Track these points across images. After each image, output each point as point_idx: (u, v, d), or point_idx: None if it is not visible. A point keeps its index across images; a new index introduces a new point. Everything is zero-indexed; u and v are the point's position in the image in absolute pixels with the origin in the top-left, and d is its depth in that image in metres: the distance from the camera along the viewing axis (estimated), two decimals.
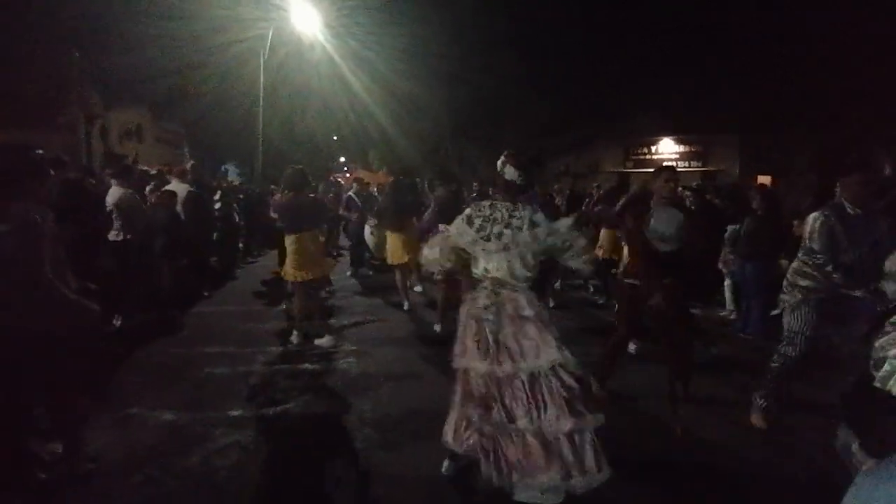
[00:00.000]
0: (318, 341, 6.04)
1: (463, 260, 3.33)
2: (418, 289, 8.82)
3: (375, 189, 11.73)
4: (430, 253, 3.46)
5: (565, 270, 8.94)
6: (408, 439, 3.87)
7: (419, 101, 25.12)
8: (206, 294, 8.36)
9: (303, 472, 3.52)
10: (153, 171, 9.99)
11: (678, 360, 4.23)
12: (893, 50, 13.41)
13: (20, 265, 2.83)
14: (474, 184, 11.59)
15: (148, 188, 8.18)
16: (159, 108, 23.15)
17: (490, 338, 3.03)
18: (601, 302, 8.17)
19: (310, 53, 21.87)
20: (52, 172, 3.58)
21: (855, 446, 2.54)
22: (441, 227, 3.44)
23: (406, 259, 7.55)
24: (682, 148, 23.21)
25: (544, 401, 2.92)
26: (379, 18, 22.31)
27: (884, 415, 2.43)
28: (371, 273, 10.53)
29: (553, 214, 7.00)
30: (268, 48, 18.65)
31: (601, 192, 9.80)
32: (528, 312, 3.06)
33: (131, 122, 21.89)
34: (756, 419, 4.12)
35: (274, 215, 6.70)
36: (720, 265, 7.39)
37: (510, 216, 3.13)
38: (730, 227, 7.15)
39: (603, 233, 7.72)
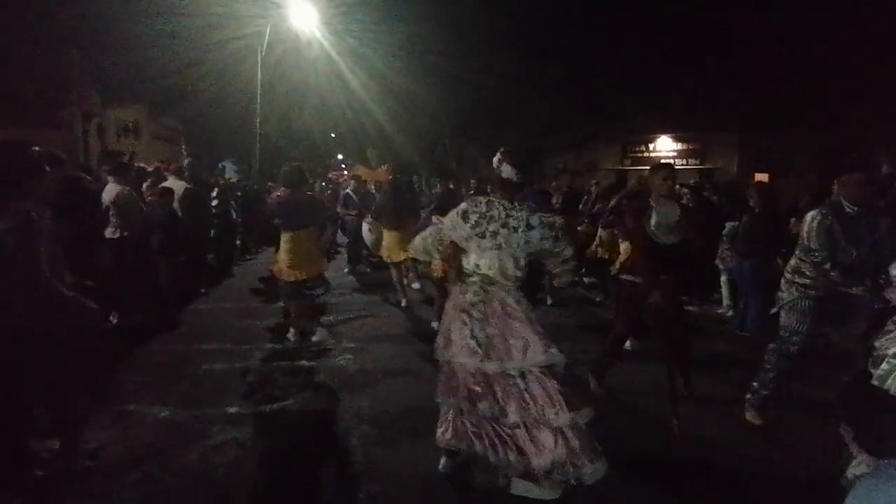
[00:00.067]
0: (313, 338, 6.03)
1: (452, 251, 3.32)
2: (416, 286, 8.82)
3: (373, 186, 11.72)
4: (421, 243, 3.45)
5: None
6: (405, 436, 3.87)
7: (417, 98, 25.08)
8: (203, 291, 8.35)
9: (300, 468, 3.52)
10: (150, 169, 9.97)
11: (677, 358, 4.24)
12: (893, 50, 13.40)
13: (20, 264, 2.82)
14: (472, 181, 11.57)
15: (145, 185, 8.16)
16: (157, 106, 23.09)
17: (476, 335, 3.01)
18: (598, 300, 8.17)
19: (307, 50, 21.87)
20: (49, 170, 3.57)
21: (848, 438, 2.54)
22: (434, 219, 3.41)
23: (403, 257, 7.55)
24: (679, 146, 23.18)
25: (539, 396, 2.91)
26: (376, 16, 22.28)
27: (881, 412, 2.42)
28: (368, 270, 10.54)
29: (549, 212, 7.05)
30: (265, 45, 18.63)
31: (600, 189, 9.79)
32: (515, 311, 3.05)
33: (128, 120, 21.82)
34: (751, 417, 4.12)
35: (268, 213, 6.67)
36: (717, 262, 7.40)
37: (507, 215, 3.11)
38: (729, 225, 7.16)
39: (602, 231, 7.71)
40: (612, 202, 7.00)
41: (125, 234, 6.42)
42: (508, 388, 2.94)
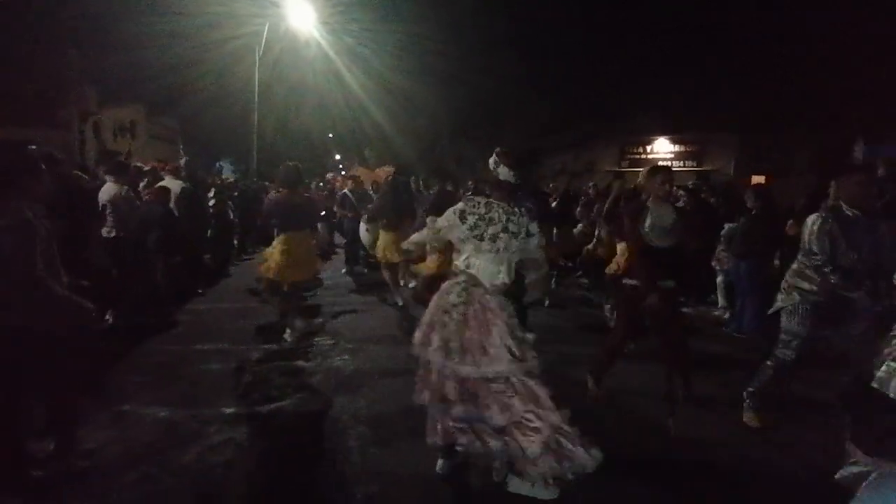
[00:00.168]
0: (285, 335, 6.04)
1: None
2: (413, 285, 8.79)
3: (371, 187, 11.70)
4: (418, 238, 3.42)
5: (561, 270, 9.04)
6: (402, 437, 3.84)
7: (415, 98, 25.13)
8: (200, 291, 8.32)
9: (297, 469, 3.50)
10: (147, 168, 9.95)
11: (675, 359, 4.23)
12: (893, 50, 13.41)
13: (17, 264, 2.80)
14: (469, 182, 11.55)
15: (142, 185, 8.14)
16: (154, 105, 23.08)
17: (452, 336, 2.98)
18: (595, 299, 8.14)
19: (305, 50, 21.90)
20: (45, 169, 3.55)
21: (847, 438, 2.53)
22: (429, 219, 3.38)
23: (398, 259, 7.53)
24: (677, 147, 23.21)
25: (525, 399, 2.90)
26: (375, 15, 22.35)
27: (881, 413, 2.42)
28: (366, 271, 10.51)
29: (546, 213, 7.03)
30: (263, 45, 18.60)
31: (598, 190, 9.80)
32: (495, 316, 3.00)
33: (126, 119, 21.80)
34: (749, 419, 4.11)
35: (265, 213, 6.63)
36: (714, 263, 7.39)
37: (507, 219, 3.07)
38: (727, 226, 7.15)
39: (601, 231, 7.69)
40: (607, 204, 7.02)
41: (121, 234, 6.40)
42: (489, 393, 2.92)
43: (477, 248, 3.06)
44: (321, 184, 16.99)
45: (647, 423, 4.18)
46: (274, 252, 5.92)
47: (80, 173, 6.55)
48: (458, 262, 3.14)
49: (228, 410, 4.27)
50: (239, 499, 3.22)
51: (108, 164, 7.22)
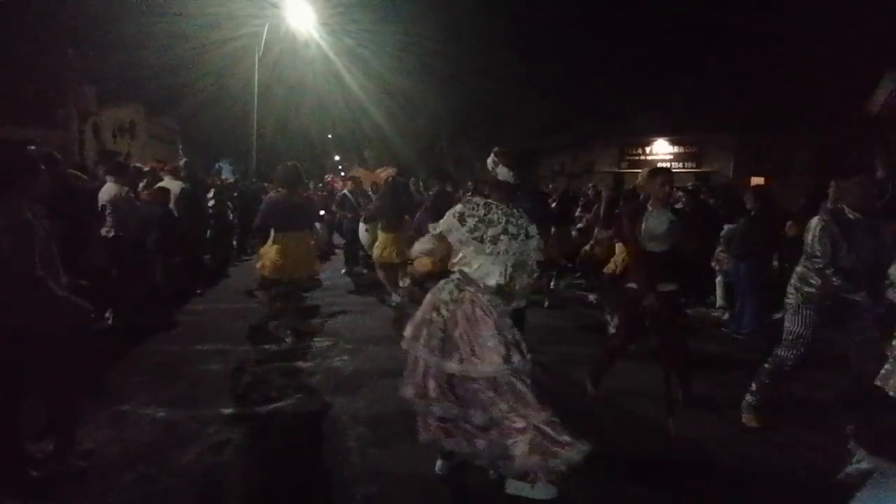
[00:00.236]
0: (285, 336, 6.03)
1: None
2: (407, 284, 8.78)
3: (370, 188, 11.69)
4: (423, 246, 3.39)
5: (561, 270, 9.04)
6: (402, 437, 3.83)
7: (415, 99, 25.14)
8: (199, 292, 8.32)
9: (296, 469, 3.49)
10: (146, 168, 9.95)
11: (673, 360, 4.23)
12: (893, 50, 13.40)
13: (16, 263, 2.80)
14: (468, 183, 11.56)
15: (141, 185, 8.13)
16: (154, 106, 23.08)
17: (439, 334, 2.98)
18: (593, 299, 8.13)
19: (305, 51, 21.89)
20: (44, 169, 3.55)
21: (849, 436, 2.54)
22: (430, 225, 3.36)
23: (396, 261, 7.52)
24: (676, 149, 23.18)
25: (510, 399, 2.89)
26: (374, 16, 22.36)
27: (881, 412, 2.43)
28: (365, 271, 10.49)
29: (545, 214, 7.02)
30: (262, 45, 18.60)
31: (598, 191, 9.80)
32: (485, 316, 2.98)
33: (125, 119, 21.79)
34: (748, 419, 4.11)
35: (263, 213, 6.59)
36: (713, 264, 7.39)
37: (507, 221, 3.05)
38: (726, 227, 7.15)
39: (601, 231, 7.69)
40: (602, 210, 7.04)
41: (120, 234, 6.39)
42: (472, 392, 2.93)
43: (477, 251, 3.04)
44: (320, 184, 17.00)
45: (647, 423, 4.18)
46: (270, 250, 5.91)
47: (78, 173, 6.53)
48: (455, 260, 3.13)
49: (227, 411, 4.26)
50: (238, 499, 3.22)
51: (108, 164, 7.23)
